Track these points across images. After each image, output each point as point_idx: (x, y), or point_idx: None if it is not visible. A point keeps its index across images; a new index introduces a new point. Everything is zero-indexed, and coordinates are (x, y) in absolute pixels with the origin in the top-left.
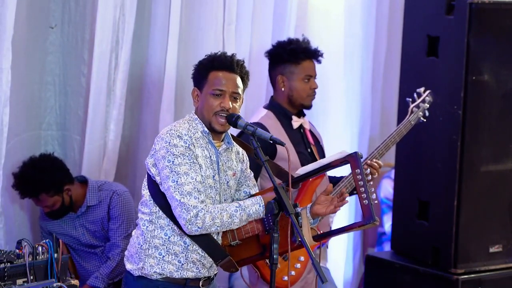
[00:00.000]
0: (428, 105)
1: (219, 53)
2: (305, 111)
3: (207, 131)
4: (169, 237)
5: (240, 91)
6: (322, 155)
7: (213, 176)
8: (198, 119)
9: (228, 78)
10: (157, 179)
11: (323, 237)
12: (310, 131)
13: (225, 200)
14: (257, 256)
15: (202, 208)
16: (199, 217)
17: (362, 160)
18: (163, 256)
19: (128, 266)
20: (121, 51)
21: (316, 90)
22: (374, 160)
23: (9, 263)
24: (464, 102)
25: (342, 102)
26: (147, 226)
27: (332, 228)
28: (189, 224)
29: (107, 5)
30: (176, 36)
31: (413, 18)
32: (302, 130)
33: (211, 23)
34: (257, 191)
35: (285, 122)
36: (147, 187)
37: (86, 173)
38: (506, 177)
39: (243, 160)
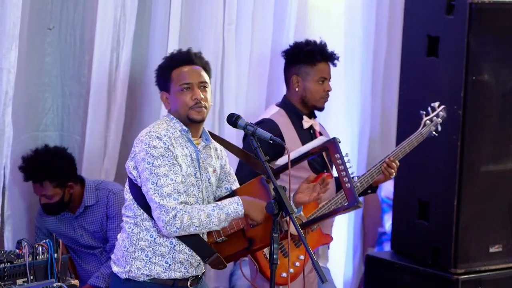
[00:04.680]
0: (441, 120)
1: (174, 51)
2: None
3: (186, 129)
4: (154, 238)
5: (206, 79)
6: (330, 158)
7: (195, 174)
8: (175, 118)
9: (191, 71)
10: (138, 181)
11: (309, 224)
12: (320, 133)
13: (207, 197)
14: (244, 250)
15: (180, 209)
16: (178, 218)
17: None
18: (150, 258)
19: (115, 269)
20: (121, 51)
21: (329, 92)
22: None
23: (9, 263)
24: (464, 102)
25: (342, 103)
26: (132, 229)
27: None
28: (168, 226)
29: (108, 6)
30: (176, 36)
31: (413, 18)
32: (312, 131)
33: (211, 23)
34: (238, 186)
35: (296, 121)
36: (129, 191)
37: (86, 173)
38: (506, 177)
39: (222, 156)
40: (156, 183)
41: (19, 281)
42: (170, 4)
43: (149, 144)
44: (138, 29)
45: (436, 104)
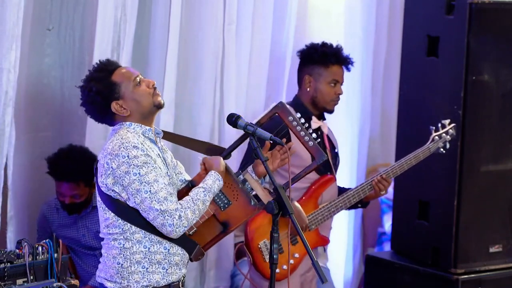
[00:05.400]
0: (450, 138)
1: (96, 64)
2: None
3: (150, 128)
4: (148, 248)
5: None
6: (335, 161)
7: (167, 173)
8: (133, 123)
9: (127, 69)
10: (123, 196)
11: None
12: (328, 136)
13: (177, 193)
14: (220, 234)
15: (181, 208)
16: (183, 217)
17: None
18: (147, 268)
19: (109, 285)
20: (122, 52)
21: (340, 96)
22: (385, 175)
23: (9, 263)
24: (464, 102)
25: (342, 102)
26: (124, 244)
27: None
28: (177, 228)
29: (108, 6)
30: (176, 36)
31: (413, 18)
32: (319, 133)
33: (211, 23)
34: (189, 176)
35: (305, 121)
36: (107, 209)
37: None
38: (506, 177)
39: (168, 150)
40: (150, 191)
41: (19, 281)
42: (170, 4)
43: (128, 156)
44: (138, 29)
45: (447, 121)
